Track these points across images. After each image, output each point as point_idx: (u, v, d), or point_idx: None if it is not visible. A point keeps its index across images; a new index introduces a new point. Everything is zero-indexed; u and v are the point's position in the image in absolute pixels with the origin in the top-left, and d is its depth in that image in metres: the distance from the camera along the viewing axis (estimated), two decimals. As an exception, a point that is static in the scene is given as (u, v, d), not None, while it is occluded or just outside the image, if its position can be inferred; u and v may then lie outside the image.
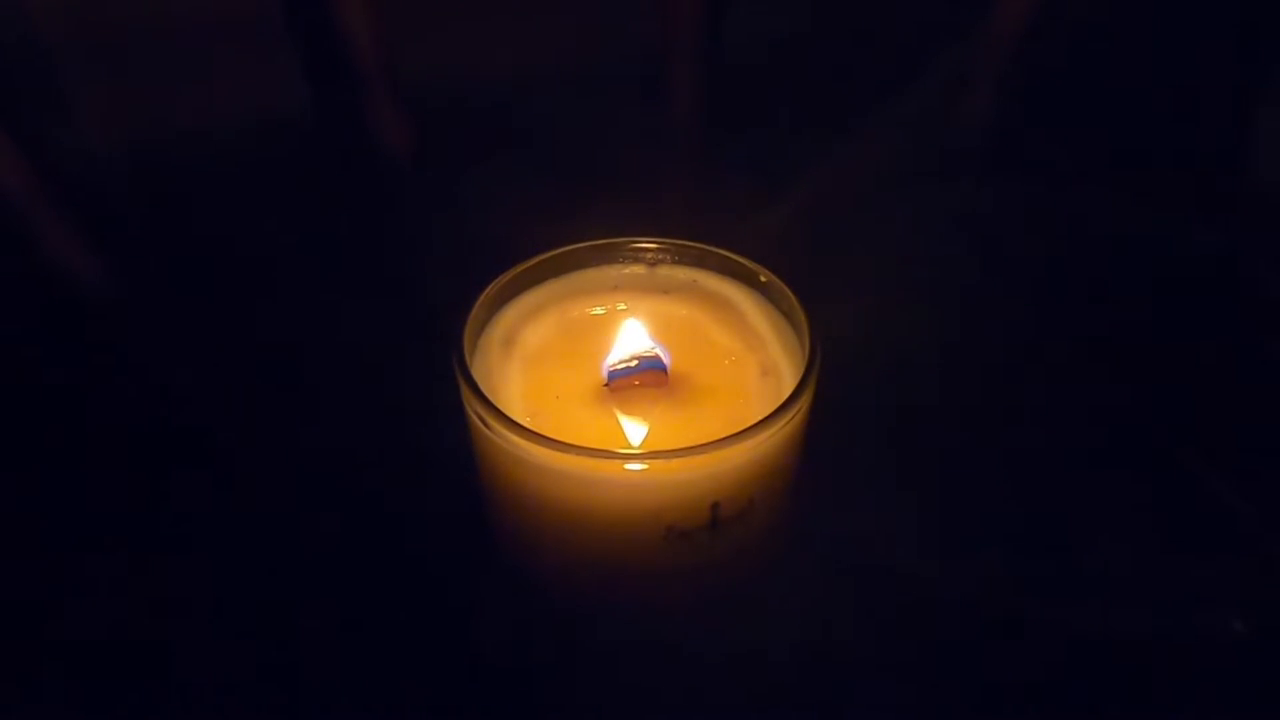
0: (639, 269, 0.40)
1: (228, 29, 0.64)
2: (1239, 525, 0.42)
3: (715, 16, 0.61)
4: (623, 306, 0.39)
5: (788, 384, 0.35)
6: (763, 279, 0.38)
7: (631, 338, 0.36)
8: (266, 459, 0.45)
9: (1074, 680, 0.37)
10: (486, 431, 0.33)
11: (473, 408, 0.33)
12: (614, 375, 0.36)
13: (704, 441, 0.31)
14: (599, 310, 0.39)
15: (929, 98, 0.64)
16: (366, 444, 0.44)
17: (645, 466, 0.32)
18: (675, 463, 0.31)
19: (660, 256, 0.39)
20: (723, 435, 0.31)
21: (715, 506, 0.33)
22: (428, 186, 0.60)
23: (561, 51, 0.67)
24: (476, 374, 0.34)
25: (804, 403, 0.33)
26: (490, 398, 0.33)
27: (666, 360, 0.36)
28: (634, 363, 0.36)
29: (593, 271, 0.39)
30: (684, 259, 0.39)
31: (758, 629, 0.37)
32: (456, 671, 0.38)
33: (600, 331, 0.38)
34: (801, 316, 0.35)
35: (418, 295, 0.51)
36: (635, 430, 0.35)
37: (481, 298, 0.36)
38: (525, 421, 0.32)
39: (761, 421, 0.32)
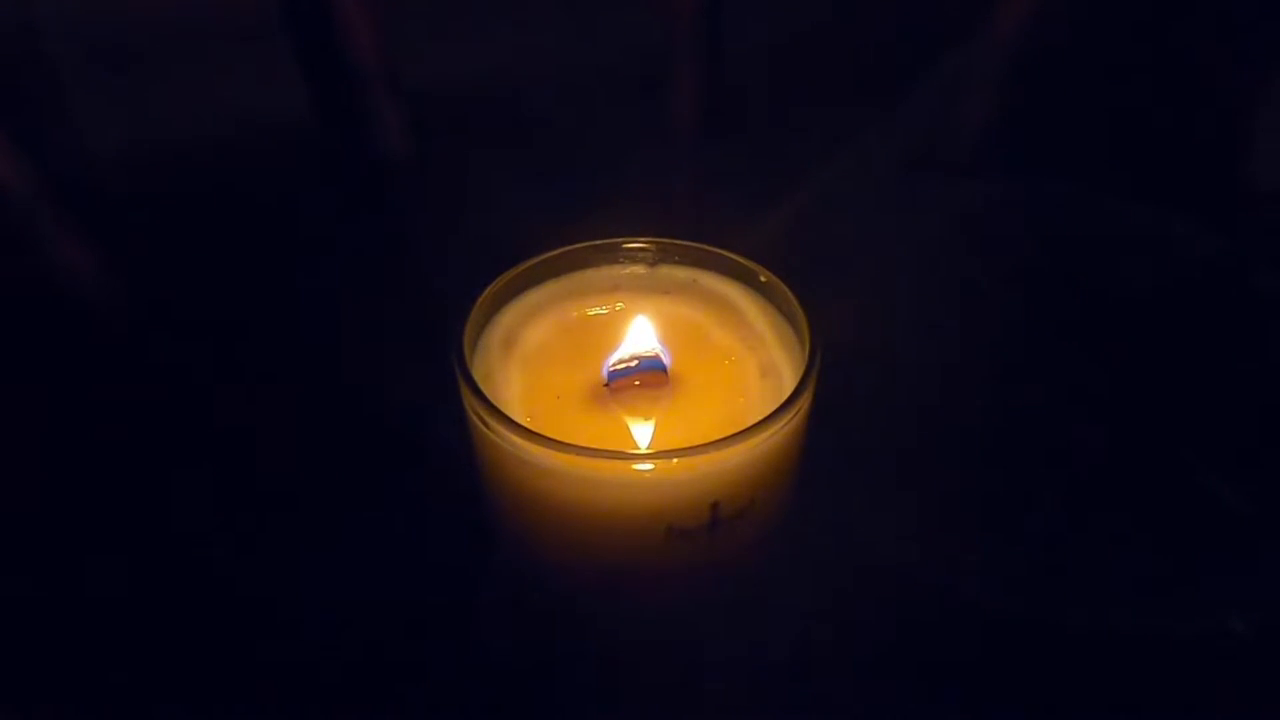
0: (639, 269, 0.40)
1: (228, 29, 0.64)
2: (1239, 525, 0.42)
3: (716, 17, 0.61)
4: (622, 306, 0.39)
5: (788, 384, 0.35)
6: (763, 279, 0.38)
7: (638, 336, 0.36)
8: (266, 459, 0.45)
9: (1073, 680, 0.37)
10: (486, 432, 0.33)
11: (473, 408, 0.33)
12: (614, 375, 0.36)
13: (704, 441, 0.31)
14: (599, 310, 0.39)
15: (930, 97, 0.64)
16: (367, 444, 0.44)
17: (645, 467, 0.32)
18: (675, 463, 0.31)
19: (660, 256, 0.39)
20: (723, 435, 0.31)
21: (715, 506, 0.33)
22: (428, 187, 0.60)
23: (562, 51, 0.67)
24: (476, 374, 0.34)
25: (804, 403, 0.33)
26: (490, 398, 0.33)
27: (667, 360, 0.36)
28: (634, 363, 0.36)
29: (593, 271, 0.39)
30: (684, 259, 0.39)
31: (757, 628, 0.37)
32: (457, 670, 0.38)
33: (600, 331, 0.38)
34: (801, 316, 0.35)
35: (418, 295, 0.51)
36: (641, 431, 0.35)
37: (481, 298, 0.36)
38: (525, 421, 0.32)
39: (761, 421, 0.32)
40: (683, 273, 0.39)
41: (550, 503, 0.33)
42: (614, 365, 0.36)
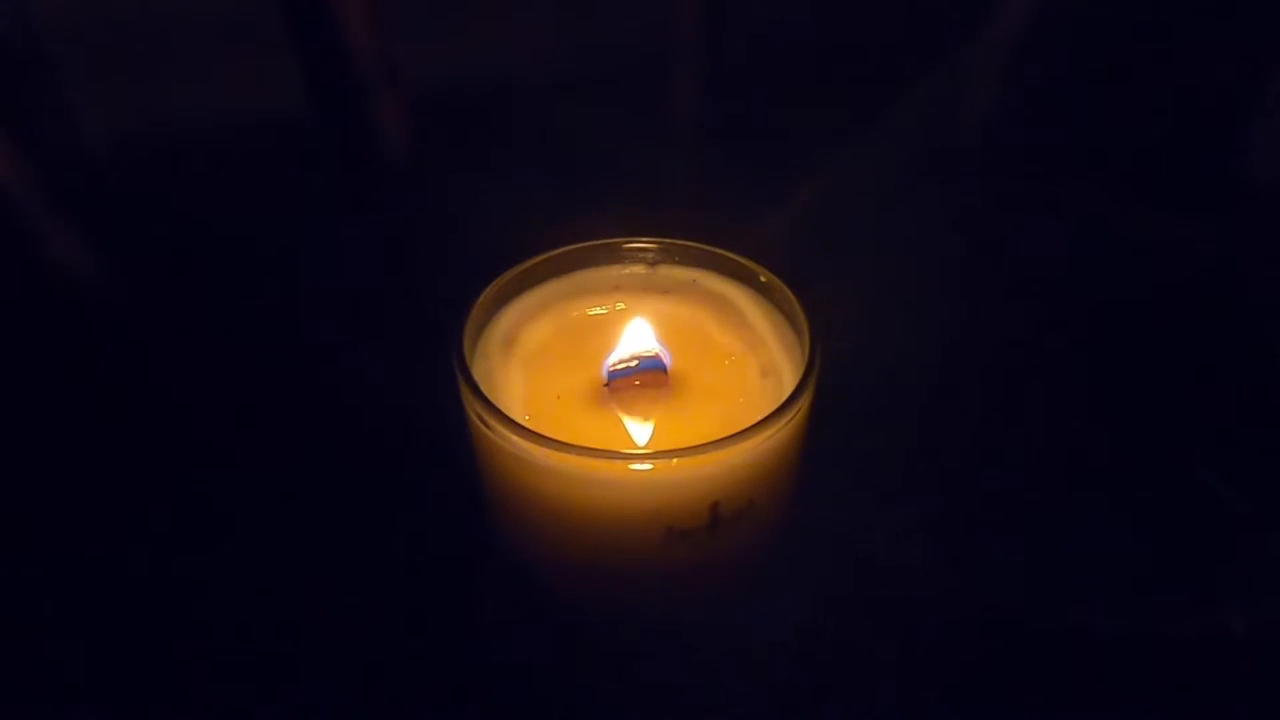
0: (639, 269, 0.40)
1: (228, 29, 0.64)
2: (1239, 525, 0.42)
3: (715, 17, 0.61)
4: (622, 306, 0.39)
5: (788, 384, 0.35)
6: (763, 279, 0.38)
7: (637, 336, 0.36)
8: (266, 458, 0.45)
9: (1074, 680, 0.37)
10: (487, 431, 0.33)
11: (473, 408, 0.33)
12: (614, 375, 0.36)
13: (704, 441, 0.31)
14: (599, 310, 0.39)
15: (930, 97, 0.64)
16: (367, 444, 0.44)
17: (645, 467, 0.32)
18: (675, 463, 0.31)
19: (660, 256, 0.39)
20: (723, 435, 0.31)
21: (715, 506, 0.33)
22: (428, 186, 0.60)
23: (562, 52, 0.67)
24: (476, 374, 0.34)
25: (804, 403, 0.33)
26: (490, 398, 0.33)
27: (667, 360, 0.36)
28: (634, 363, 0.36)
29: (593, 271, 0.39)
30: (684, 259, 0.39)
31: (757, 627, 0.37)
32: (457, 670, 0.38)
33: (600, 331, 0.38)
34: (801, 316, 0.35)
35: (418, 295, 0.51)
36: (640, 431, 0.35)
37: (481, 298, 0.36)
38: (525, 421, 0.32)
39: (761, 421, 0.32)
40: (683, 273, 0.39)
41: (550, 503, 0.33)
42: (614, 365, 0.36)
